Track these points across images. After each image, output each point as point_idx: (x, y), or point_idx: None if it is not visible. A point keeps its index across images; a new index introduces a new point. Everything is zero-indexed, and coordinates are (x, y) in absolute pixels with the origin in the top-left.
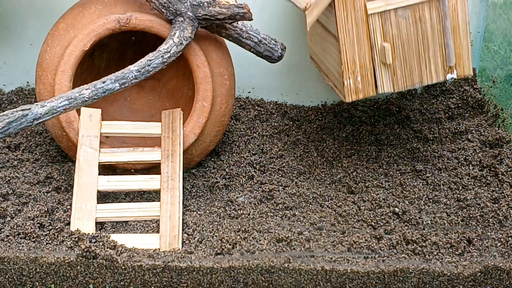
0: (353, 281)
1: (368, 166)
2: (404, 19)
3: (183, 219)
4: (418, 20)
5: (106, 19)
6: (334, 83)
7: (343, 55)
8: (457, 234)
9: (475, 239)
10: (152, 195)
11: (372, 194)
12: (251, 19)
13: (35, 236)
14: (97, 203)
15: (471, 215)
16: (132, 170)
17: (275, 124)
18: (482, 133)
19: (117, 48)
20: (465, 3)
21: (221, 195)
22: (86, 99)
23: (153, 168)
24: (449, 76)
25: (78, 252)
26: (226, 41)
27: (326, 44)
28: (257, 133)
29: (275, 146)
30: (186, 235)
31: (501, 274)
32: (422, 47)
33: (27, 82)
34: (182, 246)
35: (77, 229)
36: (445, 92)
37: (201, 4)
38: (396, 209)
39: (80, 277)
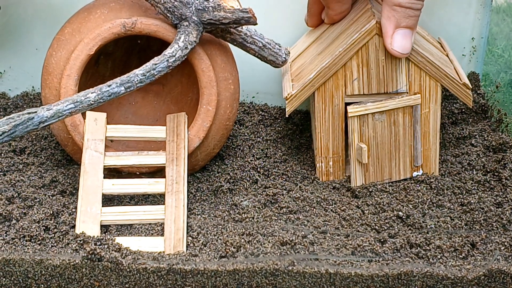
0: (357, 284)
1: None
2: (380, 122)
3: (187, 222)
4: (393, 123)
5: (112, 23)
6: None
7: (317, 141)
8: (461, 238)
9: (479, 243)
10: (157, 199)
11: (376, 198)
12: (256, 24)
13: (40, 238)
14: (102, 206)
15: (474, 219)
16: (137, 174)
17: (279, 128)
18: (486, 138)
19: (121, 56)
20: (437, 112)
21: (225, 198)
22: (92, 102)
23: (157, 172)
24: (415, 174)
25: (83, 255)
26: (231, 46)
27: (312, 117)
28: (261, 137)
29: (279, 150)
30: (190, 238)
31: (505, 277)
32: (394, 147)
33: (32, 87)
34: (187, 249)
35: (82, 232)
36: (449, 98)
37: (206, 9)
38: (400, 213)
39: (85, 279)
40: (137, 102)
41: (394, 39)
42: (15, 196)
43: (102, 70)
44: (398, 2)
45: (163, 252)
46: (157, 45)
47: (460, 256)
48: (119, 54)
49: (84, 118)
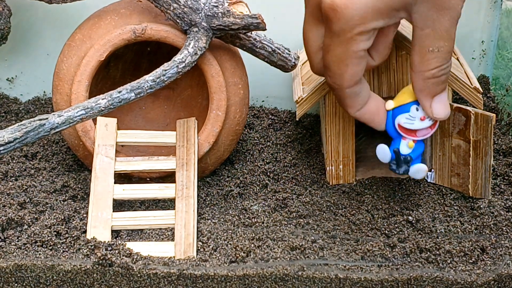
0: None
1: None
2: None
3: (197, 227)
4: None
5: (122, 29)
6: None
7: (327, 145)
8: (470, 243)
9: (489, 248)
10: (167, 204)
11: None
12: (265, 29)
13: (52, 244)
14: (113, 211)
15: (484, 224)
16: (147, 179)
17: (289, 132)
18: (496, 142)
19: (132, 59)
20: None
21: (235, 203)
22: (102, 108)
23: (168, 177)
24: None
25: (94, 260)
26: (240, 51)
27: (322, 120)
28: (271, 141)
29: (289, 154)
30: (200, 243)
31: None
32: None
33: (44, 92)
34: (197, 254)
35: (93, 237)
36: (459, 102)
37: (216, 15)
38: (410, 217)
39: (96, 284)
40: (147, 107)
41: (434, 109)
42: (26, 201)
43: (112, 73)
44: (431, 74)
45: (174, 257)
46: (167, 47)
47: (470, 261)
48: (130, 56)
49: (95, 124)
